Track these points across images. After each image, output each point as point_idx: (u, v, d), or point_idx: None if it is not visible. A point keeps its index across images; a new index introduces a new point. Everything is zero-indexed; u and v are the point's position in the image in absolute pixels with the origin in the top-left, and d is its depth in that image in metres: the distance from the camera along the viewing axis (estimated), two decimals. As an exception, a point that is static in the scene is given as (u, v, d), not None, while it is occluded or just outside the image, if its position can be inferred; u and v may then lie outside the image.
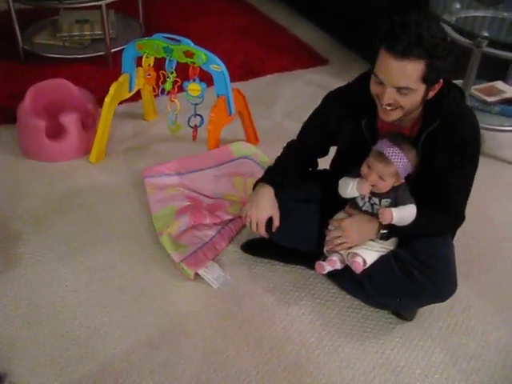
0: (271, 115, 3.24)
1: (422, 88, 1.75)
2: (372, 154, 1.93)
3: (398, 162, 1.87)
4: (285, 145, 2.23)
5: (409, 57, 1.67)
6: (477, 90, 3.03)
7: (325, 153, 2.20)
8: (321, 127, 2.10)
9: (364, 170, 1.94)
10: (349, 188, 1.99)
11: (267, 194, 2.08)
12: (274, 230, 2.10)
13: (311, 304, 2.16)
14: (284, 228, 2.12)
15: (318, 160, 2.24)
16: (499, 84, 3.14)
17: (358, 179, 1.97)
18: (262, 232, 2.09)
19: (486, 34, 2.62)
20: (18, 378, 1.83)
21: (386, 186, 1.93)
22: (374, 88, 1.81)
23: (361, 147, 1.98)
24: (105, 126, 2.78)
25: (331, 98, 2.08)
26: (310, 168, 2.25)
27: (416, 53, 1.66)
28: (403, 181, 1.95)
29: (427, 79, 1.72)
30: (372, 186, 1.93)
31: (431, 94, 1.81)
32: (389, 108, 1.80)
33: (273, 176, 2.13)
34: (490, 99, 2.99)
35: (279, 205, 2.11)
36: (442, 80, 1.80)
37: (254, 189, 2.12)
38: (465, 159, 1.91)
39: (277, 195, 2.09)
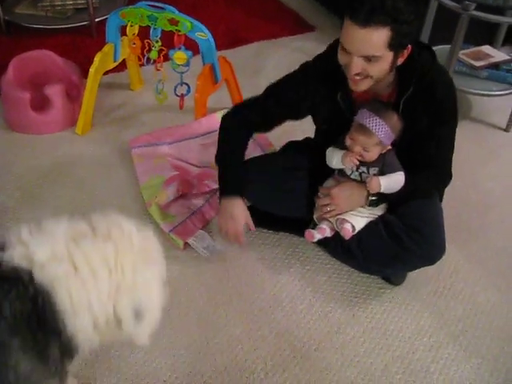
0: (258, 83, 3.19)
1: (389, 55, 1.73)
2: (353, 126, 1.92)
3: (380, 131, 1.86)
4: (223, 120, 2.14)
5: (372, 24, 1.65)
6: (464, 54, 3.01)
7: (279, 125, 2.12)
8: (291, 100, 2.02)
9: (348, 141, 1.93)
10: (334, 160, 1.99)
11: (236, 204, 2.04)
12: (252, 229, 2.12)
13: (301, 271, 2.17)
14: (273, 196, 2.12)
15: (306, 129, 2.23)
16: (487, 48, 3.12)
17: (343, 151, 1.96)
18: (242, 240, 2.09)
19: (473, -3, 2.59)
20: None
21: (371, 155, 1.93)
22: (342, 58, 1.79)
23: (340, 119, 1.96)
24: (90, 96, 2.75)
25: (306, 72, 2.01)
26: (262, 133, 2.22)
27: (379, 19, 1.64)
28: (390, 147, 1.95)
29: (393, 45, 1.70)
30: (357, 158, 1.92)
31: (400, 60, 1.79)
32: (358, 78, 1.78)
33: (232, 185, 2.08)
34: (477, 64, 2.97)
35: (268, 173, 2.11)
36: (410, 46, 1.77)
37: (220, 202, 2.08)
38: (444, 119, 1.92)
39: (244, 197, 2.08)
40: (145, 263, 1.28)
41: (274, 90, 2.07)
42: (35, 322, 1.16)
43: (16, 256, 1.18)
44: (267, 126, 2.13)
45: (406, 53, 1.78)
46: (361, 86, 1.82)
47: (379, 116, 1.85)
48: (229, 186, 2.08)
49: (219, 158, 2.13)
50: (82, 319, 1.21)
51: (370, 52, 1.70)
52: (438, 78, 1.88)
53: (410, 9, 1.66)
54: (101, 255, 1.22)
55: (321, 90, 1.97)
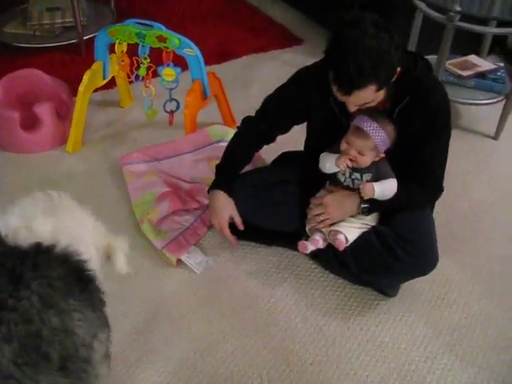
0: (247, 97, 3.22)
1: (381, 92, 1.81)
2: (350, 130, 1.95)
3: (376, 135, 1.89)
4: (241, 123, 2.24)
5: (355, 91, 1.74)
6: (451, 64, 3.04)
7: (286, 130, 2.19)
8: (288, 104, 2.08)
9: (343, 145, 1.96)
10: (328, 163, 2.01)
11: (220, 196, 2.11)
12: (240, 227, 2.14)
13: (295, 285, 2.17)
14: (264, 210, 2.13)
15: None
16: (473, 58, 3.14)
17: (337, 155, 1.98)
18: (227, 234, 2.13)
19: (458, 9, 2.61)
20: None
21: (365, 160, 1.94)
22: (336, 93, 1.83)
23: (334, 124, 1.99)
24: (80, 114, 2.74)
25: (301, 77, 2.06)
26: (267, 144, 2.25)
27: (361, 85, 1.72)
28: (383, 155, 1.96)
29: (382, 87, 1.78)
30: (352, 161, 1.94)
31: (392, 81, 1.83)
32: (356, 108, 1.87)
33: (222, 179, 2.15)
34: (464, 73, 2.99)
35: (257, 187, 2.12)
36: (398, 69, 1.81)
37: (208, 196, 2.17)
38: (437, 129, 1.94)
39: (231, 192, 2.13)
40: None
41: (271, 98, 2.14)
42: (76, 279, 1.27)
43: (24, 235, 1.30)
44: (273, 132, 2.19)
45: (396, 74, 1.82)
46: (358, 112, 1.90)
47: (377, 122, 1.88)
48: (218, 181, 2.15)
49: (224, 154, 2.20)
50: (94, 260, 1.38)
51: (362, 102, 1.81)
52: (433, 88, 1.92)
53: (390, 58, 1.72)
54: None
55: (315, 95, 2.00)
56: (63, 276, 1.24)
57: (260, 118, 2.16)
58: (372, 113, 1.92)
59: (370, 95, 1.77)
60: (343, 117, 1.97)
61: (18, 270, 1.20)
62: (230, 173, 2.16)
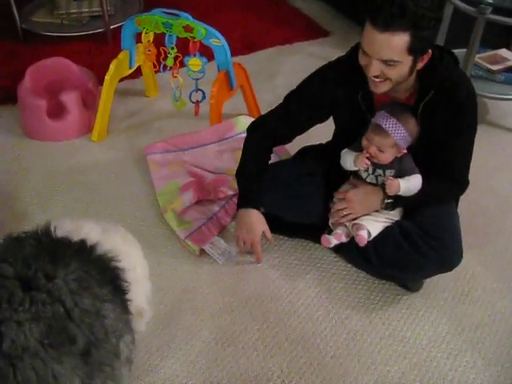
0: (273, 88, 3.21)
1: (408, 59, 1.72)
2: (370, 127, 1.93)
3: (396, 133, 1.86)
4: (248, 136, 2.16)
5: (391, 29, 1.65)
6: (481, 58, 2.99)
7: (305, 129, 2.13)
8: (313, 101, 2.03)
9: (364, 142, 1.94)
10: (348, 161, 2.00)
11: (253, 214, 2.08)
12: (272, 242, 2.15)
13: (317, 277, 2.16)
14: (288, 203, 2.12)
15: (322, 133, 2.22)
16: (503, 52, 3.09)
17: (355, 153, 1.96)
18: (258, 250, 2.12)
19: (489, 1, 2.58)
20: None
21: (386, 157, 1.93)
22: (362, 59, 1.79)
23: (359, 120, 1.97)
24: (106, 103, 2.76)
25: (326, 72, 2.02)
26: (282, 144, 2.24)
27: (399, 25, 1.64)
28: (405, 151, 1.94)
29: (413, 50, 1.70)
30: (372, 157, 1.92)
31: (420, 65, 1.79)
32: (377, 80, 1.79)
33: (251, 197, 2.10)
34: (494, 67, 2.95)
35: (282, 180, 2.12)
36: (430, 50, 1.77)
37: (237, 212, 2.13)
38: (463, 124, 1.91)
39: (260, 208, 2.11)
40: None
41: (294, 94, 2.09)
42: (111, 280, 1.31)
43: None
44: (292, 132, 2.13)
45: (426, 57, 1.78)
46: (380, 89, 1.82)
47: (396, 118, 1.85)
48: (247, 199, 2.10)
49: (240, 170, 2.14)
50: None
51: (389, 56, 1.70)
52: (459, 82, 1.88)
53: (431, 14, 1.65)
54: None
55: (341, 90, 1.97)
56: (100, 271, 1.27)
57: (279, 115, 2.10)
58: (394, 108, 1.89)
59: (398, 49, 1.68)
60: (368, 112, 1.95)
61: (59, 253, 1.24)
62: (255, 188, 2.10)
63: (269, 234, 2.11)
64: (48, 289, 1.16)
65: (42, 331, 1.11)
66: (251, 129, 2.16)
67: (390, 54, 1.70)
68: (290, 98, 2.09)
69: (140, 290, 1.43)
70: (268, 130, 2.11)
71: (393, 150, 1.92)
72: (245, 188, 2.12)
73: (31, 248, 1.26)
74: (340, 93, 1.98)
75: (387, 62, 1.72)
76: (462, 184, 2.04)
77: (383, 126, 1.87)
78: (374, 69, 1.74)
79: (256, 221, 2.08)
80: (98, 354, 1.20)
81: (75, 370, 1.15)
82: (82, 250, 1.28)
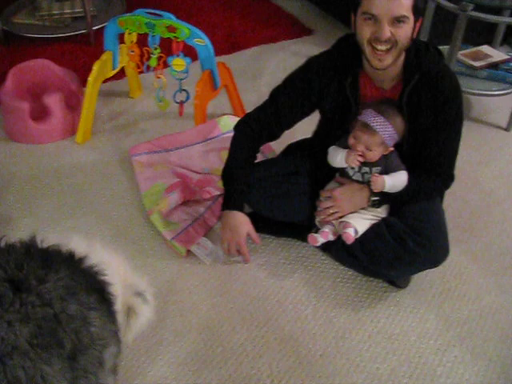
0: (257, 87, 3.21)
1: (411, 19, 1.76)
2: (357, 125, 1.93)
3: (383, 131, 1.87)
4: (235, 132, 2.15)
5: None
6: (463, 54, 3.01)
7: (294, 123, 2.13)
8: (300, 92, 2.04)
9: (351, 140, 1.94)
10: (338, 158, 2.00)
11: (237, 215, 2.07)
12: (257, 242, 2.13)
13: (305, 276, 2.16)
14: (274, 202, 2.12)
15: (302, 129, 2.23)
16: (485, 48, 3.11)
17: (346, 150, 1.97)
18: (245, 251, 2.10)
19: (471, -2, 2.59)
20: None
21: (374, 155, 1.93)
22: (366, 29, 1.79)
23: (344, 111, 1.97)
24: (89, 105, 2.74)
25: (312, 63, 2.03)
26: (270, 141, 2.23)
27: None
28: (392, 149, 1.95)
29: (416, 9, 1.75)
30: (360, 156, 1.93)
31: (415, 34, 1.82)
32: (384, 48, 1.79)
33: (235, 199, 2.09)
34: (476, 64, 2.97)
35: (268, 179, 2.11)
36: (421, 19, 1.82)
37: (221, 214, 2.12)
38: (449, 118, 1.92)
39: (243, 209, 2.10)
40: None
41: (280, 89, 2.09)
42: (98, 291, 1.30)
43: None
44: (281, 127, 2.12)
45: (418, 25, 1.81)
46: (385, 61, 1.82)
47: (384, 116, 1.86)
48: (232, 200, 2.09)
49: (226, 171, 2.13)
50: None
51: (400, 12, 1.73)
52: (443, 74, 1.90)
53: None
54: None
55: (327, 79, 1.98)
56: (87, 281, 1.28)
57: (266, 111, 2.09)
58: (380, 105, 1.90)
59: (407, 5, 1.72)
60: (354, 102, 1.96)
61: (50, 259, 1.25)
62: (240, 189, 2.09)
63: (254, 235, 2.10)
64: (38, 291, 1.17)
65: (31, 332, 1.12)
66: (238, 127, 2.15)
67: (400, 10, 1.73)
68: (277, 92, 2.09)
69: (126, 287, 1.43)
70: (256, 127, 2.10)
71: (380, 148, 1.92)
72: (230, 188, 2.11)
73: (22, 254, 1.26)
74: (326, 80, 1.98)
75: (398, 20, 1.74)
76: (447, 179, 2.05)
77: (371, 124, 1.87)
78: (386, 30, 1.75)
79: (240, 222, 2.07)
80: (83, 360, 1.20)
81: (63, 373, 1.15)
82: (71, 260, 1.29)
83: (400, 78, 1.91)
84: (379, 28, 1.75)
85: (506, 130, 3.00)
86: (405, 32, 1.77)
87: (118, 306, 1.36)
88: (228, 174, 2.12)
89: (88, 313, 1.22)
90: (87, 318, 1.22)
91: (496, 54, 3.05)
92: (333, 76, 1.96)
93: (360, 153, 1.93)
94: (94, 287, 1.29)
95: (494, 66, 2.98)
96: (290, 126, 2.13)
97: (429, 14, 3.01)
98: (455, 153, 2.00)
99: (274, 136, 2.16)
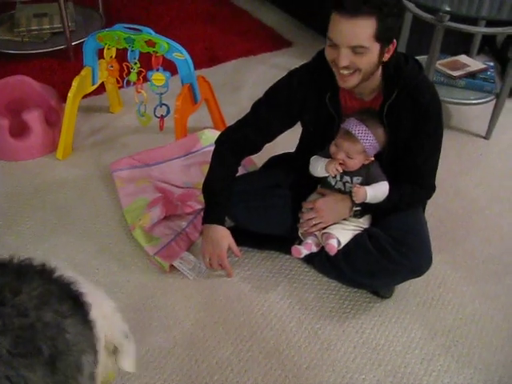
0: (238, 100, 3.21)
1: (376, 47, 1.74)
2: (339, 133, 1.94)
3: (365, 139, 1.88)
4: (216, 146, 2.15)
5: (358, 14, 1.67)
6: (441, 64, 3.04)
7: (276, 136, 2.12)
8: (282, 105, 2.03)
9: (332, 148, 1.95)
10: (318, 168, 2.01)
11: (217, 229, 2.07)
12: (238, 255, 2.13)
13: (289, 289, 2.15)
14: (256, 215, 2.12)
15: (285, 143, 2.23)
16: (463, 58, 3.14)
17: (327, 160, 1.97)
18: (226, 264, 2.10)
19: (447, 9, 2.62)
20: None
21: (354, 164, 1.94)
22: (330, 53, 1.80)
23: (327, 124, 1.98)
24: (70, 121, 2.72)
25: (293, 76, 2.03)
26: (251, 154, 2.22)
27: (365, 9, 1.67)
28: (372, 159, 1.96)
29: (380, 37, 1.72)
30: (340, 164, 1.93)
31: (387, 56, 1.81)
32: (346, 73, 1.79)
33: (216, 213, 2.10)
34: (455, 73, 3.00)
35: (249, 192, 2.11)
36: (395, 41, 1.80)
37: (202, 228, 2.13)
38: (429, 130, 1.93)
39: (224, 223, 2.10)
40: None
41: (262, 101, 2.09)
42: (73, 301, 1.30)
43: None
44: (263, 139, 2.11)
45: (391, 48, 1.80)
46: (349, 82, 1.82)
47: (366, 125, 1.87)
48: (212, 214, 2.09)
49: (206, 184, 2.12)
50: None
51: (358, 42, 1.71)
52: (423, 86, 1.90)
53: (394, 2, 1.71)
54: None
55: (308, 92, 1.98)
56: (61, 291, 1.29)
57: (248, 124, 2.09)
58: (363, 115, 1.91)
59: (366, 34, 1.69)
60: (337, 115, 1.96)
61: (23, 271, 1.28)
62: (221, 202, 2.09)
63: (234, 248, 2.09)
64: (14, 303, 1.19)
65: (10, 342, 1.14)
66: (219, 140, 2.15)
67: (358, 40, 1.71)
68: (258, 105, 2.09)
69: (111, 325, 1.41)
70: (237, 140, 2.10)
71: (361, 156, 1.93)
72: (210, 202, 2.11)
73: None
74: (307, 95, 1.99)
75: (356, 50, 1.73)
76: (429, 189, 2.07)
77: (353, 132, 1.88)
78: (344, 58, 1.74)
79: (221, 235, 2.06)
80: (62, 366, 1.21)
81: (45, 379, 1.17)
82: (43, 271, 1.32)
83: (380, 89, 1.92)
84: (338, 55, 1.76)
85: (485, 138, 3.04)
86: (367, 60, 1.76)
87: (103, 345, 1.36)
88: (209, 188, 2.11)
89: (62, 320, 1.24)
90: (62, 325, 1.23)
91: (473, 64, 3.08)
92: (313, 89, 1.97)
93: (341, 161, 1.93)
94: (68, 295, 1.30)
95: (472, 75, 3.01)
96: (271, 138, 2.13)
97: (406, 25, 3.05)
98: (436, 163, 2.02)
99: (256, 149, 2.16)
